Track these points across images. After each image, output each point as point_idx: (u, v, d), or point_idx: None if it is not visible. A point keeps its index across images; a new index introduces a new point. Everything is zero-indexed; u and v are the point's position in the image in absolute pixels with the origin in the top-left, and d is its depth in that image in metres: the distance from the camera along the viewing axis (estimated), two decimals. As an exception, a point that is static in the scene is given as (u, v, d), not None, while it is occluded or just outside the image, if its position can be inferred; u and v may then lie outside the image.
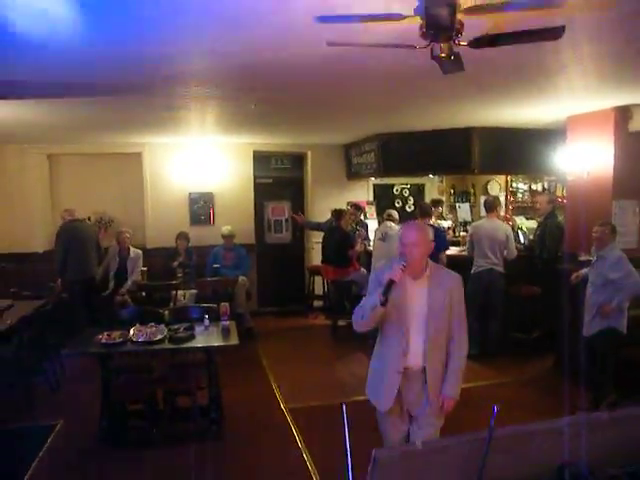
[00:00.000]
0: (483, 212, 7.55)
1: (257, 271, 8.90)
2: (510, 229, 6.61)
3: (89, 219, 8.09)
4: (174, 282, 7.19)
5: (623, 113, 5.47)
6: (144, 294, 7.24)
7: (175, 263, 7.55)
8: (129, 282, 7.37)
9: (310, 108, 5.65)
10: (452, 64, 2.57)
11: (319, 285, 8.79)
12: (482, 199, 8.72)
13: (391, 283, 2.64)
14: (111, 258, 7.57)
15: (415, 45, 2.38)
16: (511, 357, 6.34)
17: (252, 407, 5.24)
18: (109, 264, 7.56)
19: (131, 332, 4.48)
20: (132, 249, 7.60)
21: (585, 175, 5.74)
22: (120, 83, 4.20)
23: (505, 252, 6.37)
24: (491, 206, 6.58)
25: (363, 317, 2.82)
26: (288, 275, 9.30)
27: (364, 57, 3.45)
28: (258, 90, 4.63)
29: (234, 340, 4.49)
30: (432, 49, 2.35)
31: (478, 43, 2.37)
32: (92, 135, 7.36)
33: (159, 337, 4.44)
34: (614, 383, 4.95)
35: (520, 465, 1.11)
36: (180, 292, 7.25)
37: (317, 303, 8.99)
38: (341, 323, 7.71)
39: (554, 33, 2.28)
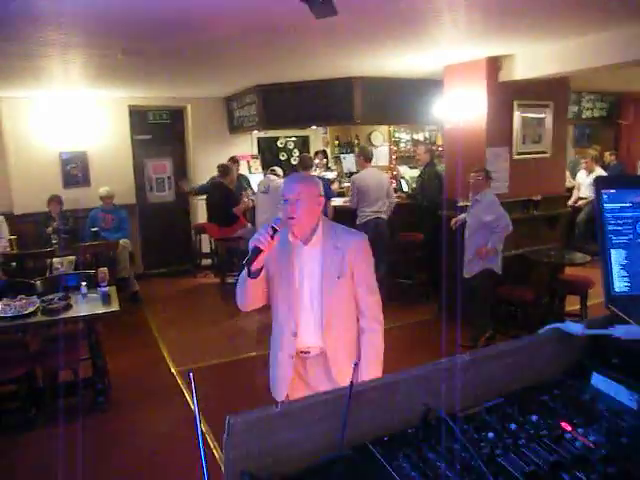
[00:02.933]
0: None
1: (140, 232, 8.53)
2: (388, 176, 6.79)
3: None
4: (49, 249, 6.71)
5: (494, 63, 5.66)
6: (14, 264, 6.69)
7: (49, 229, 7.03)
8: (-5, 253, 6.78)
9: (182, 59, 5.30)
10: (323, 7, 2.47)
11: (207, 243, 8.59)
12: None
13: (257, 251, 2.15)
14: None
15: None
16: (398, 303, 6.56)
17: (141, 373, 5.07)
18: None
19: (-2, 307, 4.12)
20: (-10, 217, 6.98)
21: (461, 123, 5.93)
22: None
23: (387, 198, 6.51)
24: (369, 155, 6.66)
25: (239, 292, 2.40)
26: (174, 234, 8.96)
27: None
28: (123, 38, 4.27)
29: (114, 306, 4.27)
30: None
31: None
32: None
33: (30, 310, 4.12)
34: (491, 320, 5.31)
35: (387, 415, 1.09)
36: (57, 260, 6.78)
37: (205, 261, 8.79)
38: (230, 280, 7.60)
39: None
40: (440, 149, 7.95)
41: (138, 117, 8.44)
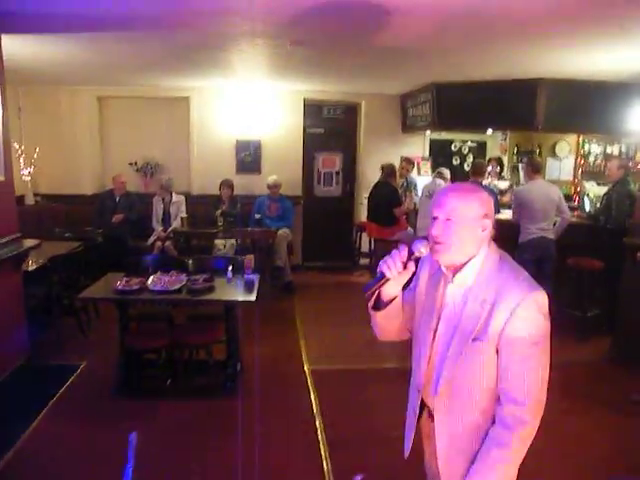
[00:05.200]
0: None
1: (303, 224, 8.62)
2: (558, 189, 5.99)
3: (136, 163, 8.07)
4: (213, 230, 7.06)
5: None
6: (182, 241, 7.17)
7: (217, 211, 7.37)
8: (170, 228, 7.32)
9: (356, 51, 5.16)
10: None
11: (367, 242, 8.44)
12: (548, 161, 8.08)
13: (382, 279, 1.66)
14: (156, 205, 7.53)
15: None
16: (562, 336, 5.72)
17: (274, 366, 5.03)
18: (154, 211, 7.54)
19: (149, 280, 4.34)
20: (174, 194, 7.53)
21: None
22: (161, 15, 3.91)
23: (559, 215, 5.76)
24: (538, 167, 5.97)
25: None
26: (336, 230, 8.94)
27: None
28: (296, 27, 4.23)
29: (252, 296, 4.24)
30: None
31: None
32: (141, 77, 7.14)
33: (176, 287, 4.26)
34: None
35: None
36: (220, 241, 7.13)
37: (364, 260, 8.64)
38: (385, 284, 7.36)
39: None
40: (639, 166, 6.88)
41: (312, 111, 8.53)
